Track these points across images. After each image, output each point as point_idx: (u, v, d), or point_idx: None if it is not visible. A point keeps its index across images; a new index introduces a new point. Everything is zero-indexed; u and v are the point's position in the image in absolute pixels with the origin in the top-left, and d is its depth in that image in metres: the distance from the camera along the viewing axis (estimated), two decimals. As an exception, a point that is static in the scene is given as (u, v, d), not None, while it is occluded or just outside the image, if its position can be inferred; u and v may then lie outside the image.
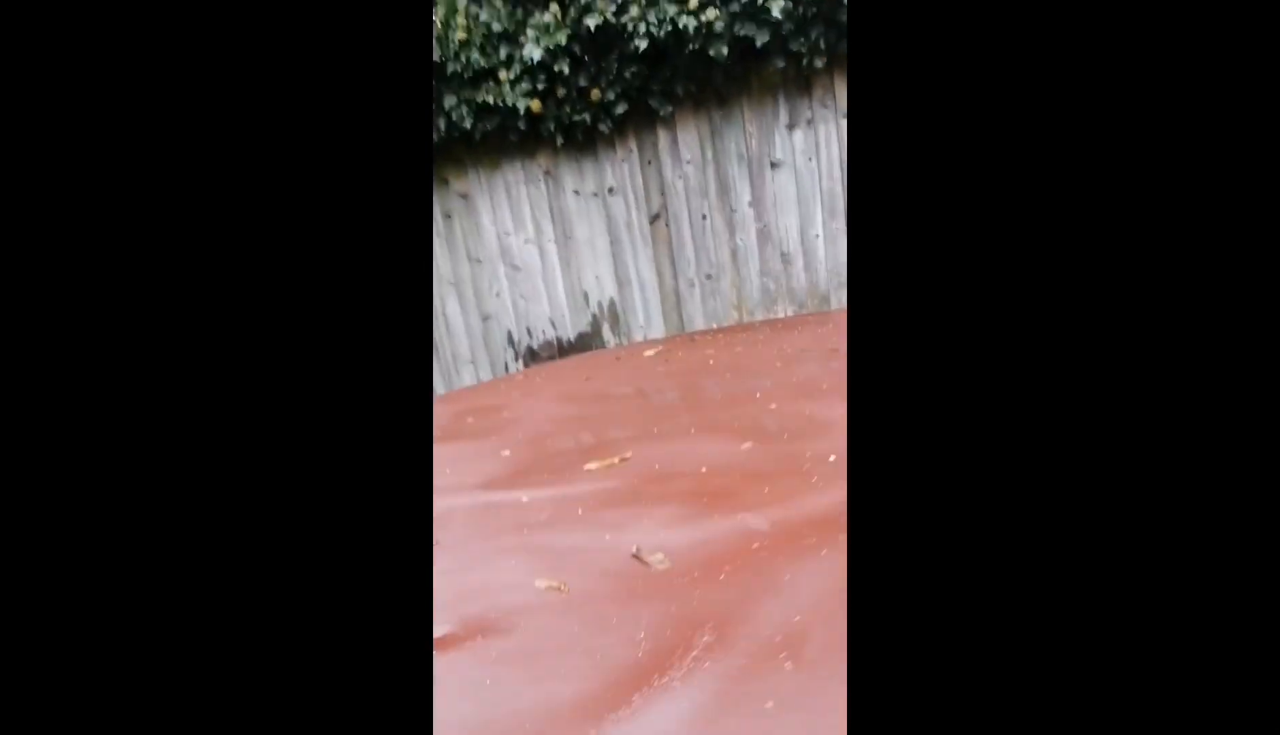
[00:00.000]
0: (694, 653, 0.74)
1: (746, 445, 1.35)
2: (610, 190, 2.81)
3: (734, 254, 2.74)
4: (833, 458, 1.21)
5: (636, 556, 1.00)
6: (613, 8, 2.32)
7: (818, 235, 2.66)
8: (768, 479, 1.16)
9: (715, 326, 2.81)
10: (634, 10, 2.28)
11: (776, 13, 2.17)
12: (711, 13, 2.18)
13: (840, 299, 2.69)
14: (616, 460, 1.43)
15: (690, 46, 2.27)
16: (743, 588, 0.85)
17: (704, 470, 1.26)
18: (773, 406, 1.58)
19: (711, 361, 2.18)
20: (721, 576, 0.89)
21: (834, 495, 1.06)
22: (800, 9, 2.24)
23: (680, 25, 2.23)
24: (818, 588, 0.82)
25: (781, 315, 2.77)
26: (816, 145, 2.57)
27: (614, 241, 2.87)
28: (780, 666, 0.70)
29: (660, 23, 2.26)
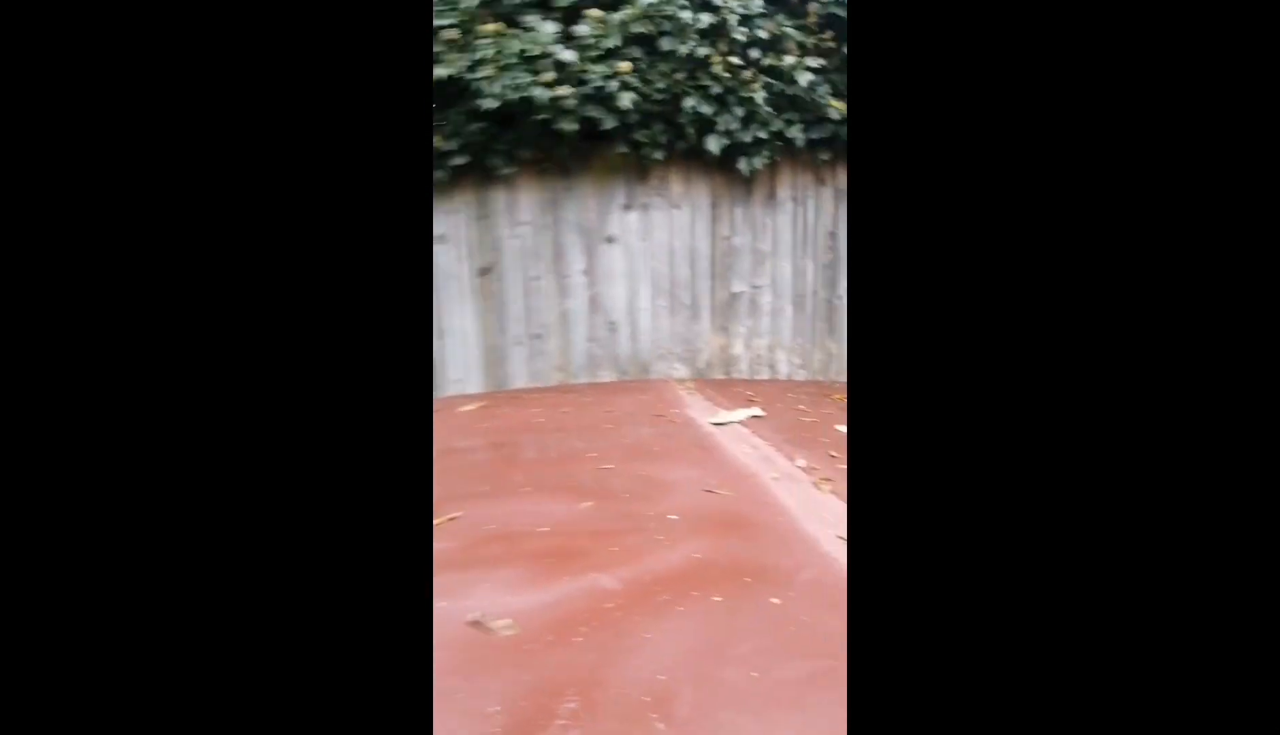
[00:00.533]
0: (559, 721, 0.68)
1: (587, 504, 1.33)
2: (439, 238, 2.71)
3: (563, 317, 2.78)
4: (674, 516, 1.25)
5: (477, 624, 0.90)
6: (466, 63, 2.31)
7: (643, 308, 2.83)
8: (614, 538, 1.15)
9: (538, 386, 2.79)
10: (488, 70, 2.30)
11: (624, 103, 2.36)
12: (564, 89, 2.29)
13: (659, 369, 2.87)
14: (444, 520, 1.30)
15: (539, 117, 2.35)
16: (602, 649, 0.82)
17: (545, 530, 1.21)
18: (608, 466, 1.59)
19: (539, 420, 2.13)
20: (578, 639, 0.84)
21: (682, 552, 1.08)
22: (646, 105, 2.47)
23: (532, 95, 2.30)
24: (679, 645, 0.82)
25: (605, 380, 2.85)
26: (649, 228, 2.78)
27: (436, 290, 2.74)
28: (653, 728, 0.67)
29: (514, 88, 2.31)
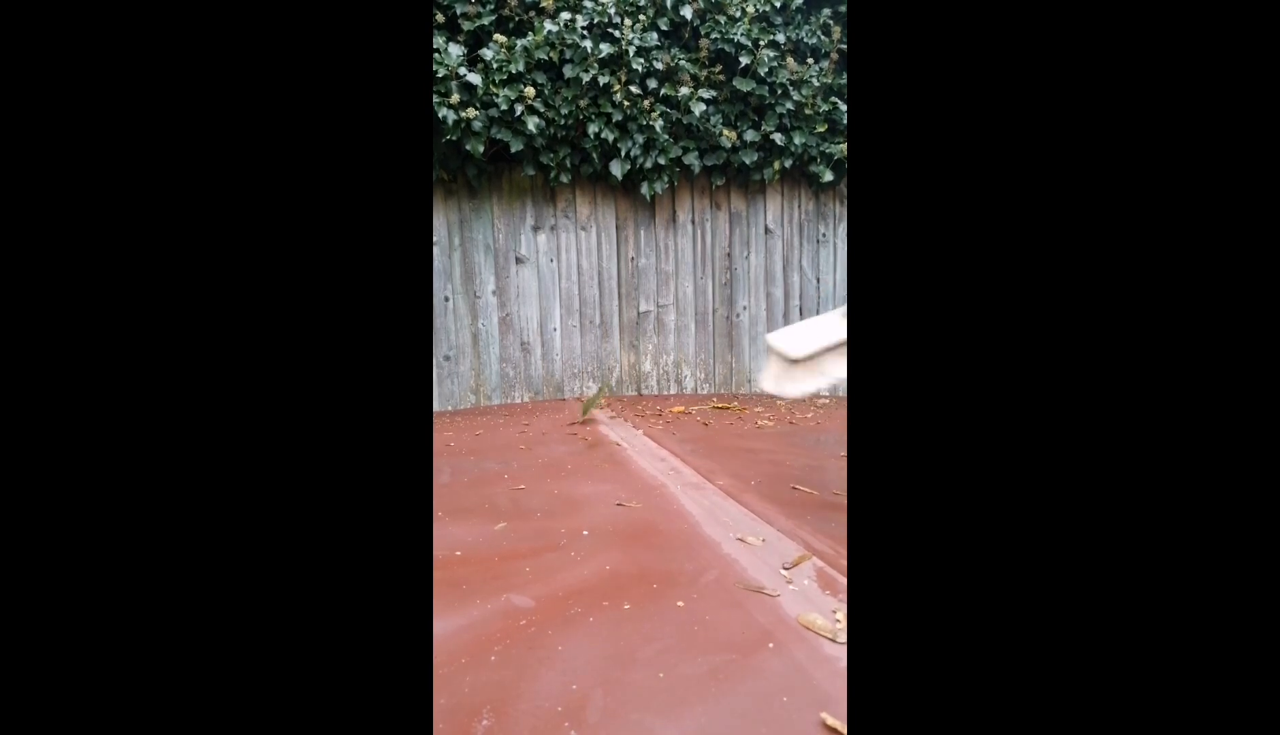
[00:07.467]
0: (474, 740, 0.70)
1: (501, 525, 1.35)
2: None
3: (475, 338, 2.76)
4: (585, 532, 1.29)
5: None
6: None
7: (555, 328, 2.86)
8: (528, 557, 1.18)
9: (451, 409, 2.75)
10: (389, 89, 2.27)
11: (531, 127, 2.40)
12: (471, 111, 2.30)
13: (573, 388, 2.90)
14: (352, 551, 1.28)
15: (448, 137, 2.34)
16: (516, 666, 0.85)
17: (458, 554, 1.22)
18: (522, 487, 1.61)
19: (452, 444, 2.12)
20: (492, 658, 0.87)
21: (593, 565, 1.13)
22: (552, 129, 2.52)
23: (440, 116, 2.30)
24: (591, 654, 0.86)
25: (519, 401, 2.85)
26: (558, 249, 2.82)
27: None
28: None
29: (417, 107, 2.29)
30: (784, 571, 1.10)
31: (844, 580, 1.07)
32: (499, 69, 2.36)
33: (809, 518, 1.37)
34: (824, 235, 3.05)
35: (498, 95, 2.35)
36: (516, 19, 2.49)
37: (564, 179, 2.64)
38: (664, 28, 2.61)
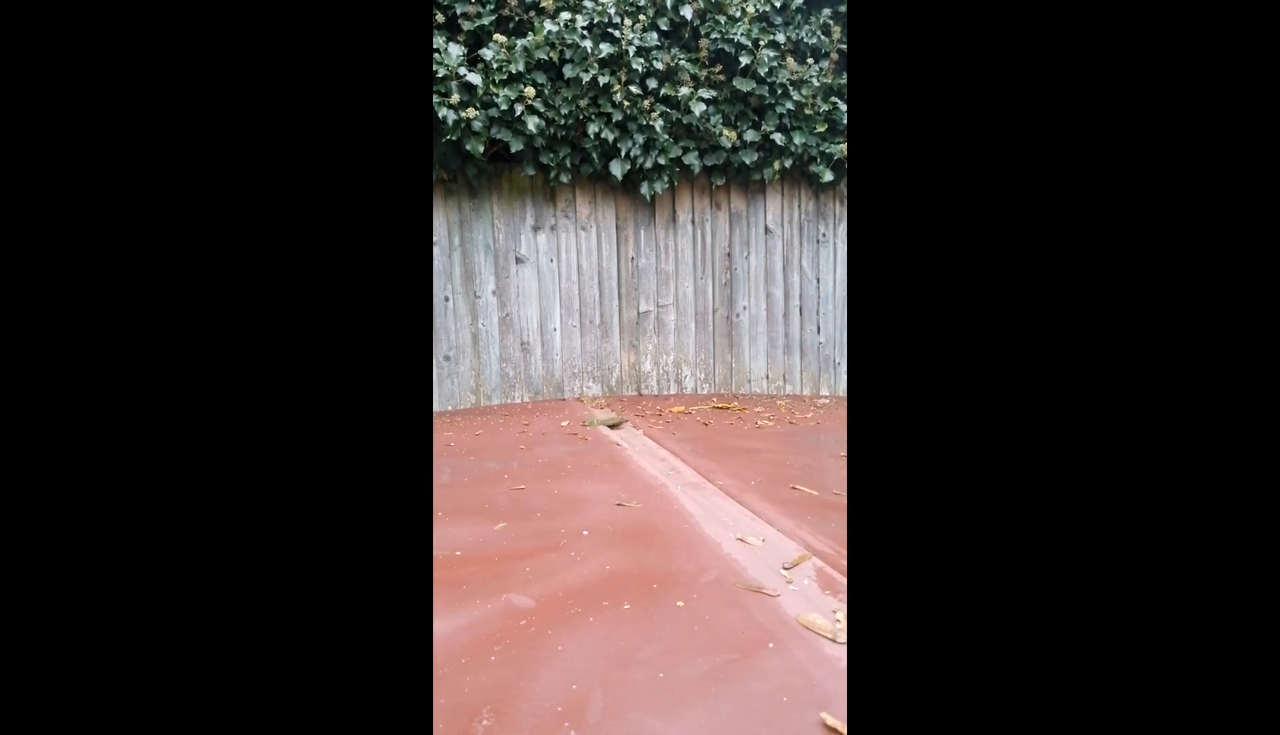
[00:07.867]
0: (474, 740, 0.70)
1: (501, 526, 1.35)
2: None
3: (475, 338, 2.76)
4: (585, 532, 1.29)
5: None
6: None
7: (555, 328, 2.86)
8: (528, 557, 1.18)
9: (451, 409, 2.75)
10: (389, 89, 2.28)
11: (531, 127, 2.40)
12: (471, 111, 2.30)
13: (573, 388, 2.90)
14: (352, 551, 1.27)
15: (448, 137, 2.34)
16: (516, 666, 0.85)
17: (458, 554, 1.22)
18: (521, 487, 1.61)
19: (452, 444, 2.12)
20: (492, 657, 0.87)
21: (594, 565, 1.13)
22: (552, 129, 2.52)
23: (440, 116, 2.30)
24: (591, 655, 0.86)
25: (519, 401, 2.85)
26: (559, 249, 2.83)
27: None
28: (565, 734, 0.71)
29: (417, 107, 2.30)
30: (784, 571, 1.10)
31: (844, 580, 1.07)
32: (499, 69, 2.36)
33: (809, 518, 1.37)
34: (824, 235, 3.05)
35: (498, 95, 2.35)
36: (516, 19, 2.49)
37: (564, 179, 2.64)
38: (664, 28, 2.61)
